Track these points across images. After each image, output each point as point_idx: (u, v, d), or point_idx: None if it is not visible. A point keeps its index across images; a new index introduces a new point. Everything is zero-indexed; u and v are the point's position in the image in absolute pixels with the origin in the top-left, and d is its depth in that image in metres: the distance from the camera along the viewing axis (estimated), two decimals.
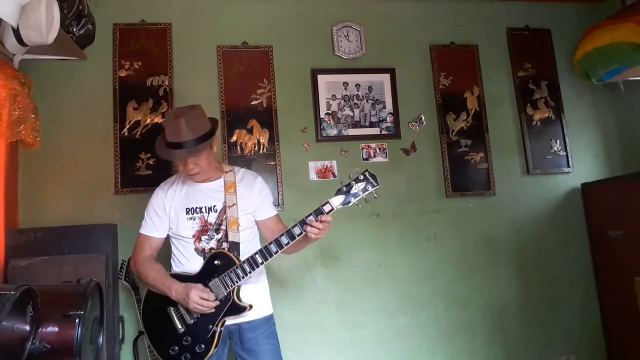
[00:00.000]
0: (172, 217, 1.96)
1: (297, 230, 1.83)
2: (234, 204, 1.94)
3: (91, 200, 2.69)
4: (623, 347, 3.00)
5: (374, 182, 1.85)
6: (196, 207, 1.95)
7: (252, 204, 1.99)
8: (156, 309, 1.92)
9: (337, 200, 1.83)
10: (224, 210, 1.94)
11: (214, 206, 1.95)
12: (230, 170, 2.04)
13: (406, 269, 2.96)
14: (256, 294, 1.95)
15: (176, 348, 1.85)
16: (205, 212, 1.95)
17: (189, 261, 1.93)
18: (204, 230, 1.93)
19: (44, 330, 1.53)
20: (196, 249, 1.93)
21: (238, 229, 1.92)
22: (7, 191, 2.42)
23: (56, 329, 1.55)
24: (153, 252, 1.99)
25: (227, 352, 1.99)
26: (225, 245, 1.91)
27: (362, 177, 1.85)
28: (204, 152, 1.87)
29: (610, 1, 3.32)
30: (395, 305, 2.92)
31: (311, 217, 1.81)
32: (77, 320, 1.57)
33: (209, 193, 1.97)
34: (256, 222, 2.04)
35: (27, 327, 1.43)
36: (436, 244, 3.02)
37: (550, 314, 3.07)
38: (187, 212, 1.94)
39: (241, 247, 1.92)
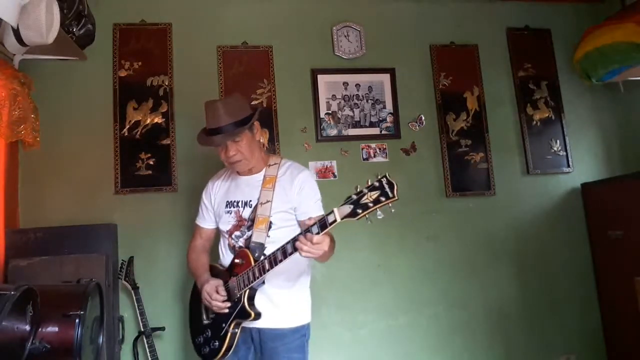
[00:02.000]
0: (215, 210, 1.97)
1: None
2: (267, 201, 1.81)
3: (91, 200, 2.69)
4: (623, 347, 2.99)
5: (389, 193, 1.45)
6: (234, 201, 1.91)
7: (290, 201, 1.84)
8: (196, 297, 1.95)
9: (342, 211, 1.50)
10: (258, 206, 1.85)
11: (250, 201, 1.87)
12: (275, 164, 1.91)
13: (406, 269, 2.96)
14: (290, 301, 1.85)
15: (201, 339, 1.88)
16: (241, 206, 1.88)
17: (224, 256, 1.93)
18: (238, 225, 1.88)
19: (44, 330, 1.53)
20: (229, 245, 1.91)
21: (267, 229, 1.79)
22: (7, 191, 2.42)
23: (56, 329, 1.55)
24: (204, 241, 2.04)
25: (252, 356, 1.90)
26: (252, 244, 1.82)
27: (377, 184, 1.47)
28: (244, 137, 1.79)
29: (610, 1, 3.32)
30: (395, 305, 2.92)
31: (315, 227, 1.56)
32: (77, 320, 1.57)
33: (246, 187, 1.90)
34: (298, 222, 1.88)
35: (27, 327, 1.43)
36: (436, 244, 3.02)
37: (550, 314, 3.07)
38: (227, 206, 1.93)
39: (271, 247, 1.74)
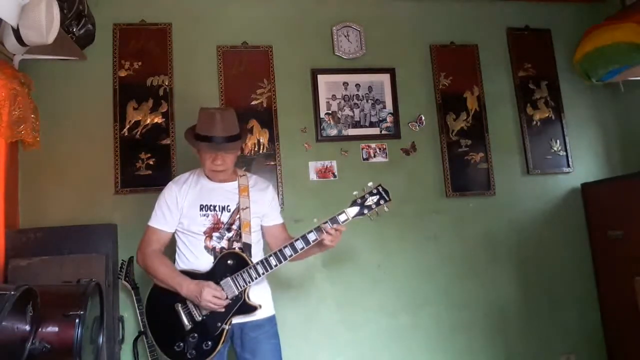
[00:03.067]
0: (184, 213, 1.98)
1: (312, 237, 1.90)
2: (247, 207, 1.99)
3: (91, 200, 2.69)
4: (623, 347, 2.99)
5: (386, 197, 1.95)
6: (210, 205, 1.98)
7: (262, 208, 2.05)
8: (162, 304, 1.92)
9: (352, 211, 1.93)
10: (237, 211, 1.98)
11: (228, 206, 1.99)
12: (243, 175, 2.10)
13: (406, 268, 2.97)
14: (260, 295, 1.99)
15: (181, 344, 1.86)
16: (219, 210, 1.98)
17: (197, 258, 1.94)
18: (215, 228, 1.95)
19: (44, 330, 1.53)
20: (206, 247, 1.95)
21: (250, 231, 1.98)
22: (7, 191, 2.42)
23: (56, 329, 1.55)
24: (161, 246, 2.00)
25: (227, 350, 2.02)
26: (236, 245, 1.95)
27: (375, 191, 1.96)
28: (234, 150, 1.99)
29: (610, 1, 3.32)
30: (396, 305, 2.92)
31: (327, 224, 1.89)
32: (77, 320, 1.57)
33: (223, 193, 2.02)
34: (262, 227, 2.09)
35: (27, 327, 1.43)
36: (436, 244, 3.02)
37: (550, 314, 3.07)
38: (201, 209, 1.97)
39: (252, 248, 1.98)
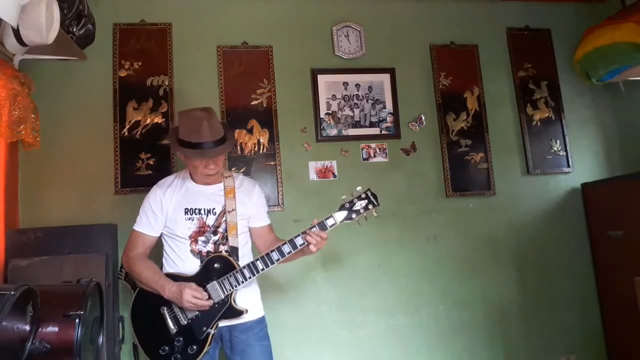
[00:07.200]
0: (169, 217, 1.96)
1: (299, 241, 1.89)
2: (233, 209, 1.97)
3: (91, 200, 2.69)
4: (623, 347, 2.99)
5: (375, 202, 1.95)
6: (195, 208, 1.96)
7: (249, 210, 2.03)
8: (148, 308, 1.92)
9: (340, 216, 1.92)
10: (222, 213, 1.97)
11: (213, 209, 1.97)
12: (229, 176, 2.06)
13: (406, 269, 2.96)
14: (249, 297, 1.98)
15: (166, 348, 1.86)
16: (204, 213, 1.96)
17: (183, 262, 1.93)
18: (201, 231, 1.94)
19: (44, 330, 1.52)
20: (192, 251, 1.94)
21: (237, 234, 1.96)
22: (7, 191, 2.42)
23: (56, 329, 1.55)
24: (146, 249, 1.99)
25: (218, 352, 2.01)
26: (222, 248, 1.93)
27: (364, 195, 1.95)
28: (226, 152, 1.98)
29: (610, 1, 3.33)
30: (395, 305, 2.92)
31: (314, 229, 1.88)
32: (77, 320, 1.57)
33: (209, 196, 1.99)
34: (249, 228, 2.07)
35: (27, 327, 1.43)
36: (436, 244, 3.02)
37: (550, 314, 3.07)
38: (186, 212, 1.95)
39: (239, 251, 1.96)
